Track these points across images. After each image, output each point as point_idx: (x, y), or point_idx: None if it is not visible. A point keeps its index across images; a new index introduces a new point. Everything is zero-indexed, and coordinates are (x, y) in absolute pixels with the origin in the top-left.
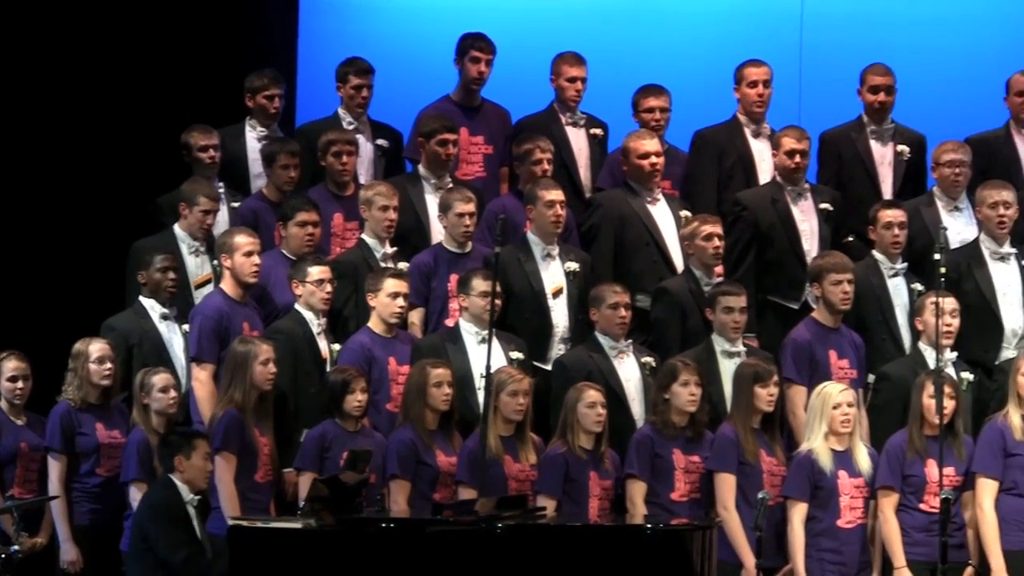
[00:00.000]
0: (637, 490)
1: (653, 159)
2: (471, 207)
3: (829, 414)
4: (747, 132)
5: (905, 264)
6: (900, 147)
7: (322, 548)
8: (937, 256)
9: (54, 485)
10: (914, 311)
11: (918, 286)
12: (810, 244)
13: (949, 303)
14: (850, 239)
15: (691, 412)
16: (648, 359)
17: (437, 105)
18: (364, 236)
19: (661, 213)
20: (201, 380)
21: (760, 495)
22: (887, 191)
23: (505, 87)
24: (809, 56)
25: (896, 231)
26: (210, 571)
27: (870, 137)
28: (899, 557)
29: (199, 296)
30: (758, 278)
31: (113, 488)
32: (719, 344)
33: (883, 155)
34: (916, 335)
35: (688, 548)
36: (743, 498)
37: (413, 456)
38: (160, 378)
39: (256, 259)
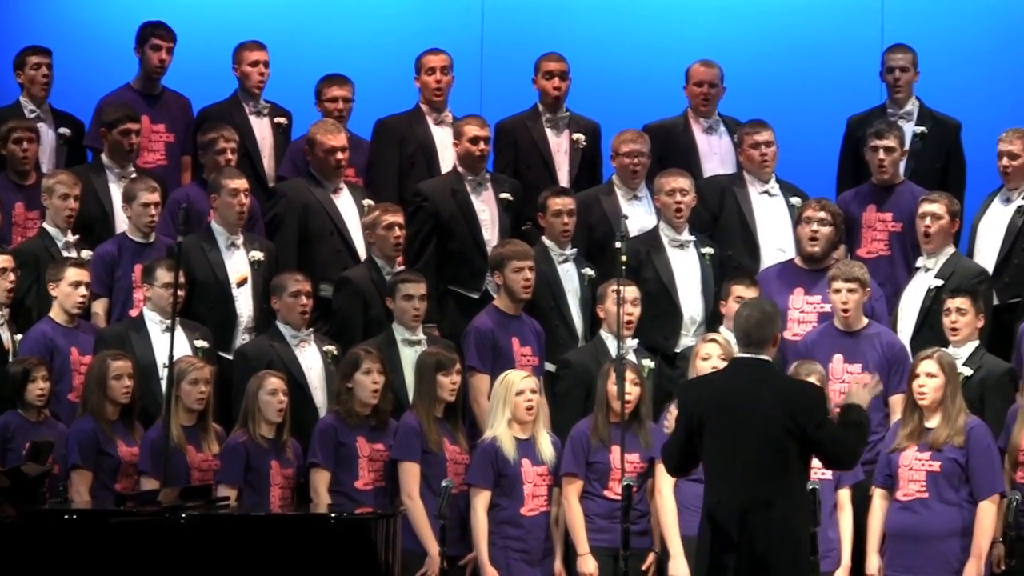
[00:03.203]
0: (321, 479)
1: (339, 155)
2: (155, 197)
3: (512, 401)
4: (429, 120)
5: (574, 250)
6: (576, 135)
7: (4, 540)
8: (618, 244)
9: None
10: (585, 297)
11: (588, 271)
12: (490, 234)
13: (630, 291)
14: (526, 227)
15: (374, 402)
16: (330, 348)
17: (118, 93)
18: (46, 225)
19: (344, 202)
20: None
21: (443, 483)
22: (563, 179)
23: (187, 75)
24: (490, 46)
25: (565, 219)
26: None
27: (545, 126)
28: (583, 544)
29: None
30: (439, 268)
31: None
32: (400, 333)
33: (559, 144)
34: (587, 321)
35: (372, 537)
36: (427, 486)
37: (94, 446)
38: None
39: None
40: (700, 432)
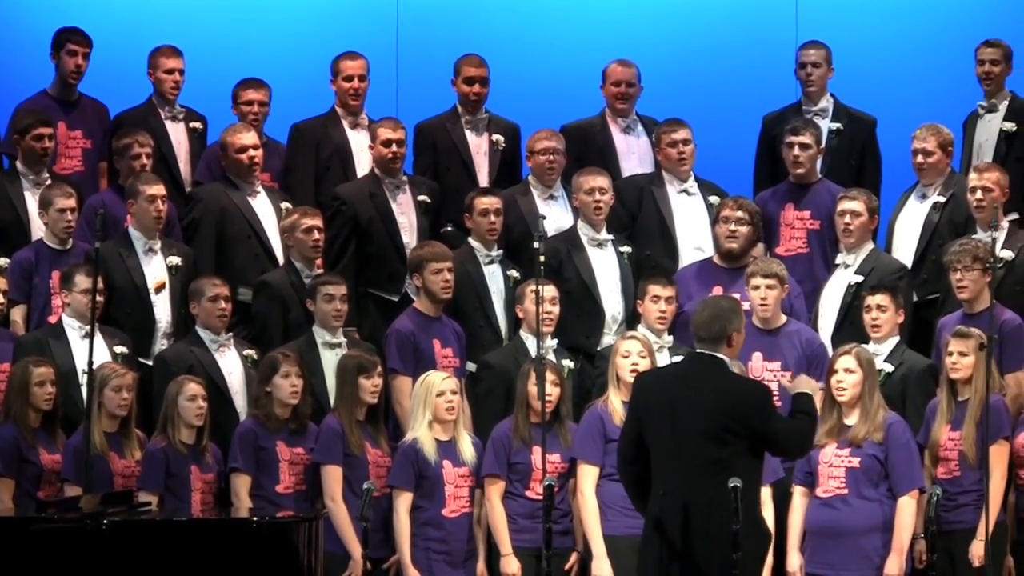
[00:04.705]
0: (241, 483)
1: (251, 152)
2: (71, 203)
3: (433, 403)
4: (344, 124)
5: (500, 251)
6: (495, 137)
7: None
8: (536, 244)
9: None
10: (510, 298)
11: (514, 273)
12: (409, 236)
13: (549, 291)
14: (448, 229)
15: (293, 404)
16: (250, 352)
17: (34, 100)
18: None
19: (262, 206)
20: None
21: (365, 486)
22: (483, 180)
23: (103, 81)
24: (406, 48)
25: (492, 219)
26: None
27: (465, 127)
28: (505, 544)
29: None
30: (358, 271)
31: None
32: (320, 336)
33: (478, 145)
34: (513, 322)
35: (294, 540)
36: (349, 489)
37: (16, 454)
38: None
39: None
40: (648, 427)
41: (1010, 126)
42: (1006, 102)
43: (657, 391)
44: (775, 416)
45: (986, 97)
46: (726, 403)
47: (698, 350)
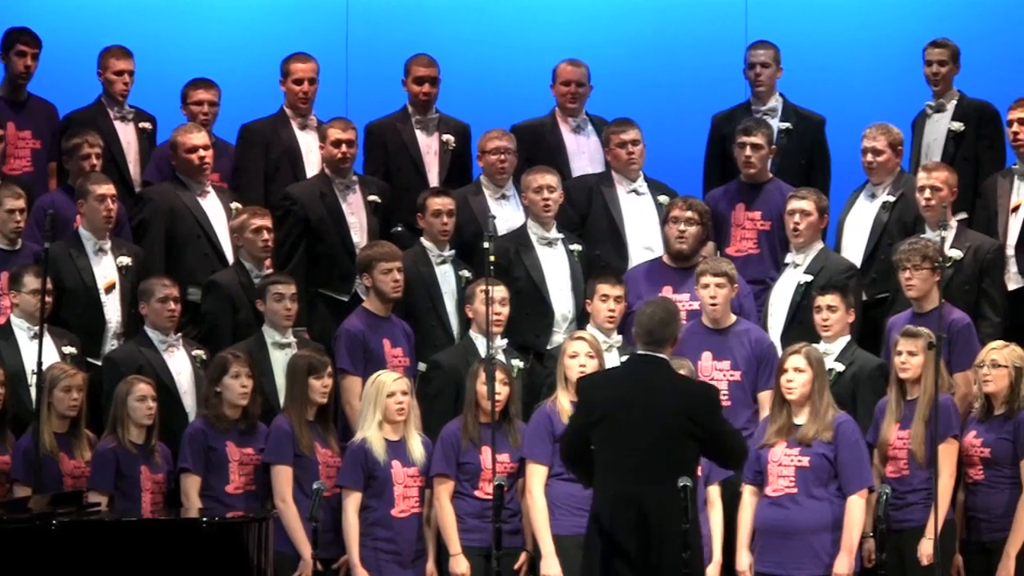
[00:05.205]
0: (191, 484)
1: (201, 152)
2: (20, 203)
3: (383, 403)
4: (294, 125)
5: (453, 251)
6: (445, 137)
7: None
8: (486, 244)
9: None
10: (462, 298)
11: (466, 273)
12: (360, 236)
13: (499, 291)
14: (398, 229)
15: (243, 405)
16: (199, 352)
17: None
18: None
19: (211, 206)
20: None
21: (315, 486)
22: (433, 180)
23: (52, 81)
24: (355, 47)
25: (444, 219)
26: None
27: (415, 127)
28: (454, 544)
29: None
30: (308, 271)
31: None
32: (270, 336)
33: (429, 145)
34: (464, 322)
35: (244, 541)
36: (300, 489)
37: None
38: None
39: None
40: (597, 426)
41: (958, 126)
42: (954, 102)
43: (606, 393)
44: (726, 420)
45: (934, 97)
46: (683, 404)
47: (642, 352)
